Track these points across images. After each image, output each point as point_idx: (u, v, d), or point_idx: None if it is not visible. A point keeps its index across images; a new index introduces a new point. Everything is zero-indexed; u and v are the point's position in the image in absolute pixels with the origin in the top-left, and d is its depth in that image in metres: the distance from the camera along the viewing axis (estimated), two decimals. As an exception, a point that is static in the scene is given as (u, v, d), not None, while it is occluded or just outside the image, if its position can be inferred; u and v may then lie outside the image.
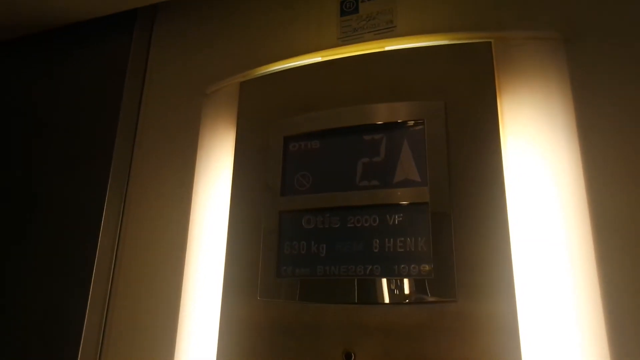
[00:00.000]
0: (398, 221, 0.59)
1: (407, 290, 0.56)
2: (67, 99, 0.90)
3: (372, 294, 0.58)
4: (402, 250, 0.57)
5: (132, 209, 0.81)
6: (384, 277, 0.57)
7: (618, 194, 0.54)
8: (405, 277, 0.56)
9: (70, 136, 0.87)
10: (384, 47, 0.68)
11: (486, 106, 0.59)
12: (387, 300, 0.57)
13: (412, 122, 0.62)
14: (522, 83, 0.60)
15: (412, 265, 0.57)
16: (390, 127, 0.63)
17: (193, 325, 0.68)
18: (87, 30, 0.93)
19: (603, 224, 0.53)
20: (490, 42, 0.62)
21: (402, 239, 0.58)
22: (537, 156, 0.57)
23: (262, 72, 0.75)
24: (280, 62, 0.74)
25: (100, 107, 0.86)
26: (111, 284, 0.77)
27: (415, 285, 0.56)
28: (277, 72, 0.74)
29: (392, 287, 0.57)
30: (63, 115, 0.89)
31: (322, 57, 0.71)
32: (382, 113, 0.64)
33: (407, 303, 0.56)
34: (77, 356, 0.72)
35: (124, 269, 0.77)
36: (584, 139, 0.57)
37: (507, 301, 0.52)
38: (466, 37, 0.64)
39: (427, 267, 0.56)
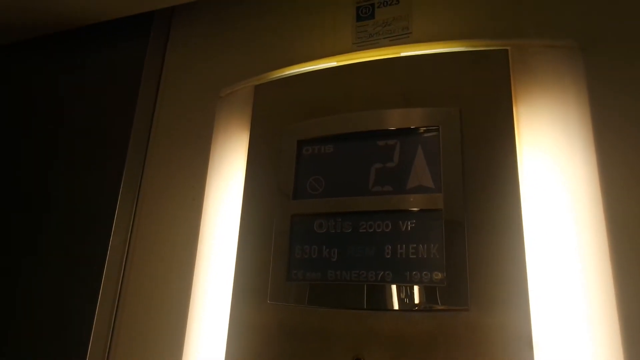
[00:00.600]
0: (411, 227, 0.58)
1: (418, 298, 0.56)
2: (82, 100, 0.91)
3: (382, 300, 0.57)
4: (414, 256, 0.57)
5: (144, 210, 0.81)
6: (395, 283, 0.57)
7: (635, 204, 0.53)
8: (417, 284, 0.56)
9: (84, 137, 0.88)
10: (399, 52, 0.68)
11: (502, 114, 0.59)
12: (397, 307, 0.56)
13: (427, 128, 0.62)
14: (538, 91, 0.60)
15: (424, 272, 0.56)
16: (404, 133, 0.63)
17: (202, 327, 0.68)
18: (104, 32, 0.94)
19: (619, 235, 0.53)
20: (507, 50, 0.62)
21: (415, 245, 0.57)
22: (553, 165, 0.57)
23: (277, 75, 0.75)
24: (296, 66, 0.74)
25: (115, 108, 0.87)
26: (121, 285, 0.77)
27: (426, 293, 0.55)
28: (292, 76, 0.74)
29: (403, 293, 0.56)
30: (77, 117, 0.90)
31: (337, 61, 0.72)
32: (396, 119, 0.64)
33: (417, 310, 0.55)
34: (86, 356, 0.72)
35: (134, 270, 0.78)
36: (600, 149, 0.56)
37: (521, 311, 0.51)
38: (483, 44, 0.64)
39: (439, 275, 0.55)
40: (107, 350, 0.74)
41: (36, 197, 0.88)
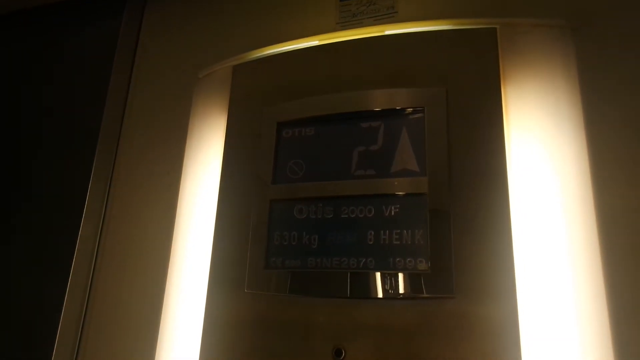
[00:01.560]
0: (394, 212, 0.56)
1: (402, 285, 0.53)
2: (53, 81, 0.87)
3: (365, 288, 0.55)
4: (398, 243, 0.54)
5: (116, 196, 0.77)
6: (378, 270, 0.54)
7: (625, 188, 0.52)
8: (401, 271, 0.53)
9: (54, 120, 0.83)
10: (383, 31, 0.65)
11: (490, 94, 0.57)
12: (380, 295, 0.54)
13: (412, 109, 0.59)
14: (527, 71, 0.58)
15: (408, 259, 0.54)
16: (388, 114, 0.60)
17: (177, 319, 0.65)
18: (76, 11, 0.90)
19: (609, 220, 0.51)
20: (495, 29, 0.59)
21: (398, 231, 0.55)
22: (542, 148, 0.55)
23: (257, 55, 0.72)
24: (276, 45, 0.71)
25: (87, 90, 0.83)
26: (92, 275, 0.74)
27: (410, 280, 0.53)
28: (271, 56, 0.71)
29: (387, 281, 0.54)
30: (48, 99, 0.86)
31: (319, 40, 0.68)
32: (380, 100, 0.61)
33: (401, 298, 0.53)
34: (53, 350, 0.68)
35: (106, 259, 0.74)
36: (590, 130, 0.54)
37: (507, 299, 0.49)
38: (470, 22, 0.61)
39: (423, 262, 0.53)
40: (77, 343, 0.71)
41: (3, 185, 0.83)
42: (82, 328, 0.71)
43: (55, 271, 0.72)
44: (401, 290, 0.53)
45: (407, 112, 0.59)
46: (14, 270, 0.76)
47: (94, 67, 0.83)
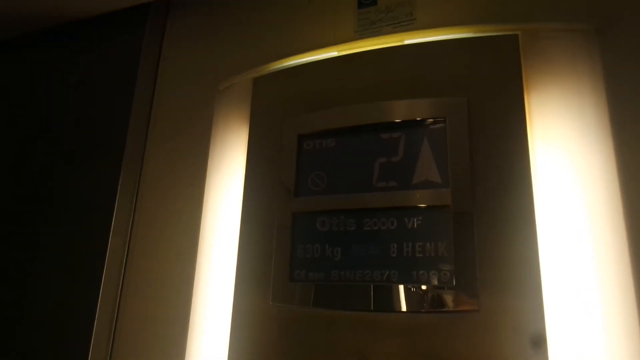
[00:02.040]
0: (417, 225, 0.56)
1: (425, 299, 0.53)
2: (78, 95, 0.90)
3: (388, 301, 0.55)
4: (421, 255, 0.54)
5: (143, 208, 0.79)
6: (401, 283, 0.54)
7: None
8: (424, 284, 0.53)
9: (81, 133, 0.86)
10: (403, 40, 0.65)
11: (512, 103, 0.56)
12: (404, 308, 0.54)
13: (433, 120, 0.59)
14: (551, 78, 0.57)
15: (432, 272, 0.53)
16: (409, 125, 0.60)
17: (204, 330, 0.66)
18: (99, 26, 0.92)
19: (638, 227, 0.49)
20: (517, 35, 0.58)
21: (421, 243, 0.55)
22: (568, 157, 0.54)
23: (276, 67, 0.72)
24: (295, 56, 0.71)
25: (112, 104, 0.85)
26: (122, 285, 0.76)
27: (434, 293, 0.53)
28: (291, 68, 0.71)
29: (410, 294, 0.54)
30: (74, 112, 0.88)
31: (338, 51, 0.69)
32: (401, 110, 0.61)
33: (425, 312, 0.53)
34: (88, 356, 0.71)
35: (134, 269, 0.76)
36: (617, 137, 0.53)
37: (534, 313, 0.49)
38: (491, 29, 0.60)
39: (447, 274, 0.53)
40: (110, 350, 0.73)
41: (33, 197, 0.86)
42: (114, 337, 0.73)
43: (87, 282, 0.75)
44: (425, 304, 0.53)
45: (428, 122, 0.59)
46: (47, 282, 0.79)
47: (118, 81, 0.85)
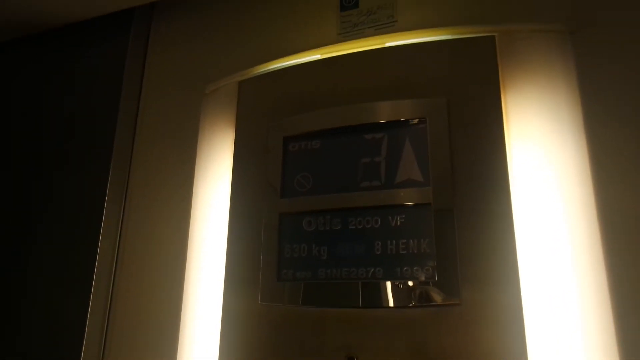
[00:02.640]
0: (400, 222, 0.57)
1: (410, 294, 0.55)
2: (64, 100, 0.90)
3: (374, 297, 0.56)
4: (405, 252, 0.56)
5: (132, 210, 0.80)
6: (386, 280, 0.56)
7: (626, 190, 0.52)
8: (408, 280, 0.55)
9: (68, 138, 0.86)
10: (384, 43, 0.67)
11: (490, 102, 0.58)
12: (390, 303, 0.56)
13: (414, 120, 0.60)
14: (527, 78, 0.59)
15: (415, 268, 0.55)
16: (391, 125, 0.61)
17: (195, 330, 0.67)
18: (84, 31, 0.92)
19: (610, 222, 0.52)
20: (493, 36, 0.60)
21: (405, 240, 0.56)
22: (543, 153, 0.56)
23: (261, 70, 0.73)
24: (280, 60, 0.72)
25: (98, 108, 0.85)
26: (112, 286, 0.77)
27: (418, 288, 0.55)
28: (276, 71, 0.72)
29: (395, 290, 0.56)
30: (61, 117, 0.88)
31: (321, 54, 0.70)
32: (383, 111, 0.62)
33: (410, 306, 0.55)
34: (80, 358, 0.71)
35: (124, 271, 0.77)
36: (591, 134, 0.55)
37: (512, 304, 0.50)
38: (469, 31, 0.62)
39: (430, 270, 0.54)
40: (102, 351, 0.74)
41: (22, 202, 0.86)
42: (105, 338, 0.74)
43: (78, 284, 0.75)
44: (409, 298, 0.55)
45: (409, 123, 0.61)
46: (37, 284, 0.80)
47: (104, 85, 0.86)
